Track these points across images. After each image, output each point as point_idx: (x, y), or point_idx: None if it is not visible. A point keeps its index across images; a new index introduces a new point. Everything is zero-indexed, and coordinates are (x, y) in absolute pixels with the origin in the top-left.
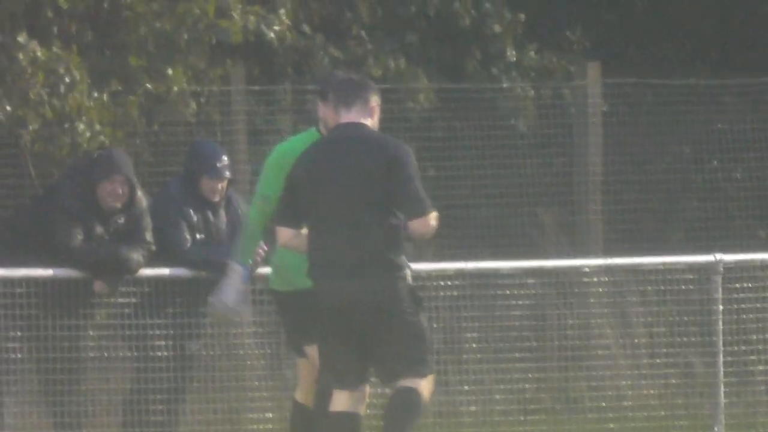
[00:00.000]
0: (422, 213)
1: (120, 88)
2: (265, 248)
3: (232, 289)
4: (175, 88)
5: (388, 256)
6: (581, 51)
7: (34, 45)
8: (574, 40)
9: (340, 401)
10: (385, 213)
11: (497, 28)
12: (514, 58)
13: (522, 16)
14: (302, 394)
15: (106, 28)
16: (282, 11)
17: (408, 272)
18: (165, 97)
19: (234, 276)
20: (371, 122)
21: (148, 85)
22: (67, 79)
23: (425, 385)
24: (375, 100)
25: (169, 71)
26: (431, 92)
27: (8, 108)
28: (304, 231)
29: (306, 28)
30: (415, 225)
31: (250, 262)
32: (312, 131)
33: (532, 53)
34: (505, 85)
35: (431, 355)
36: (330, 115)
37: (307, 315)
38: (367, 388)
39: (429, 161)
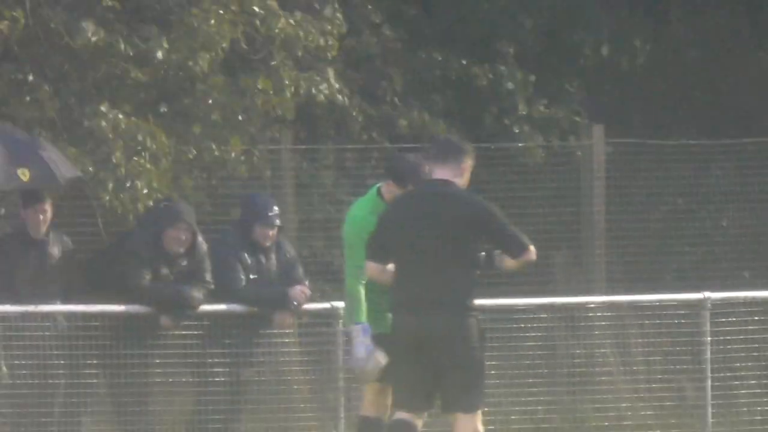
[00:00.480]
0: (523, 248)
1: (189, 156)
2: (310, 289)
3: (360, 345)
4: (233, 154)
5: (461, 298)
6: (585, 108)
7: (115, 114)
8: (580, 99)
9: (403, 415)
10: (463, 261)
11: (510, 86)
12: (525, 112)
13: (533, 77)
14: (367, 407)
15: (176, 100)
16: (332, 73)
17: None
18: (226, 158)
19: (357, 335)
20: (461, 181)
21: (214, 148)
22: (148, 145)
23: (479, 420)
24: (468, 162)
25: (231, 139)
26: None
27: (90, 169)
28: (391, 267)
29: (346, 92)
30: (522, 259)
31: (364, 319)
32: (373, 191)
33: (541, 108)
34: (521, 145)
35: (484, 391)
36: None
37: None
38: (425, 416)
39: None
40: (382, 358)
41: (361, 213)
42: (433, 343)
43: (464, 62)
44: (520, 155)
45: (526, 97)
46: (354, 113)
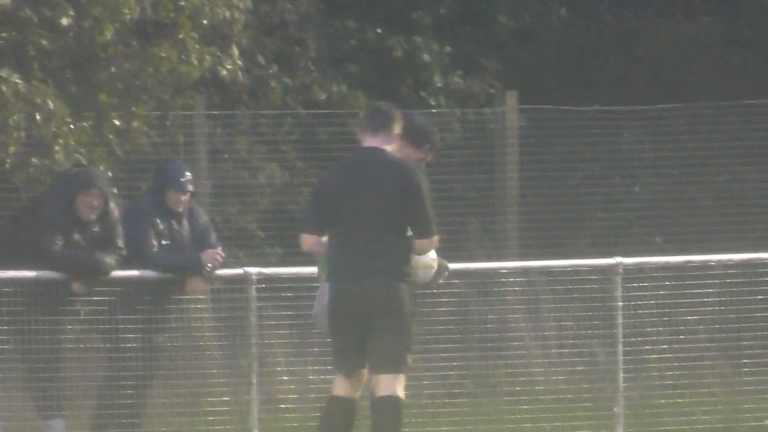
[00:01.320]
0: (427, 235)
1: (91, 122)
2: (223, 254)
3: (321, 300)
4: (135, 123)
5: (397, 266)
6: (501, 79)
7: (16, 78)
8: (496, 70)
9: (340, 386)
10: (398, 229)
11: (426, 58)
12: (441, 84)
13: (448, 48)
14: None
15: (82, 67)
16: (236, 52)
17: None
18: (128, 129)
19: (321, 289)
20: (390, 148)
21: (115, 122)
22: (43, 110)
23: (401, 385)
24: (397, 129)
25: (133, 109)
26: None
27: None
28: (326, 239)
29: (261, 60)
30: (419, 244)
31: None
32: None
33: (456, 79)
34: (434, 111)
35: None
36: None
37: None
38: (365, 375)
39: None
40: None
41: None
42: (369, 307)
43: (379, 31)
44: (437, 125)
45: (442, 68)
46: (269, 80)
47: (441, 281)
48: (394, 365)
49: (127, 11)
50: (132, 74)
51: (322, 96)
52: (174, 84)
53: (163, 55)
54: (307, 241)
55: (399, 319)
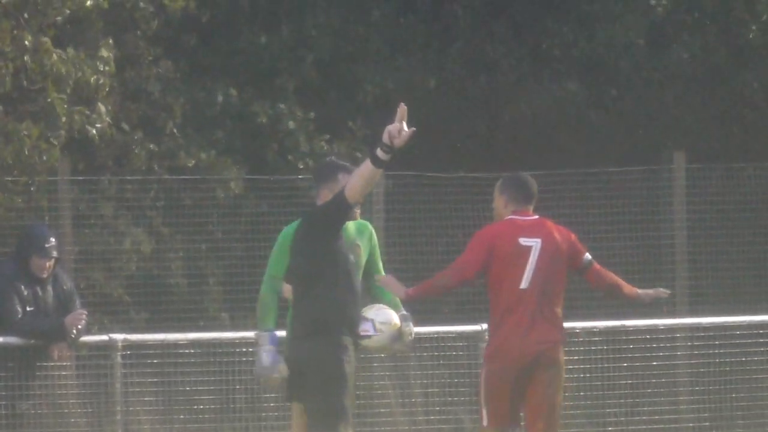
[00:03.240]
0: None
1: None
2: (86, 314)
3: (265, 354)
4: None
5: (303, 324)
6: (368, 142)
7: None
8: (363, 134)
9: None
10: (302, 284)
11: (291, 125)
12: (307, 149)
13: (312, 114)
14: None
15: None
16: (103, 110)
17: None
18: None
19: (262, 342)
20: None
21: None
22: None
23: None
24: (340, 182)
25: None
26: (240, 180)
27: None
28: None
29: (125, 126)
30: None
31: (272, 327)
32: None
33: (322, 143)
34: (301, 177)
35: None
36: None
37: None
38: None
39: (238, 242)
40: (284, 369)
41: (291, 228)
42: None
43: (242, 97)
44: (299, 187)
45: (307, 133)
46: (134, 146)
47: (403, 348)
48: (323, 424)
49: None
50: None
51: (190, 162)
52: (36, 163)
53: (25, 133)
54: (288, 290)
55: (318, 383)
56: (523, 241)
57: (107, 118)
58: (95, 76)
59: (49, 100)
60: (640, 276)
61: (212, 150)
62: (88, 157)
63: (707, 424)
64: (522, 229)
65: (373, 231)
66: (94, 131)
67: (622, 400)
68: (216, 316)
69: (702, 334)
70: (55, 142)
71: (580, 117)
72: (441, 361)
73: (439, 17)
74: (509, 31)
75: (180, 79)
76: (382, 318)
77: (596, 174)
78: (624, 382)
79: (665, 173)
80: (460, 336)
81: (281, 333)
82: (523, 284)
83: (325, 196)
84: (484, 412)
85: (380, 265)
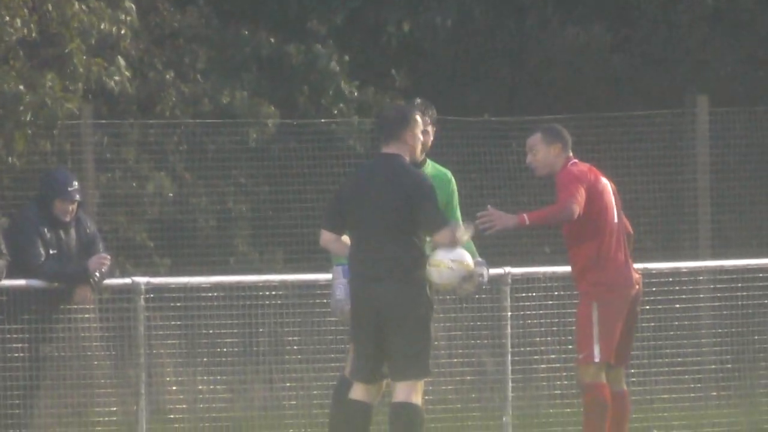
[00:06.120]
0: (440, 226)
1: None
2: (109, 258)
3: (339, 287)
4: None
5: (405, 271)
6: (402, 89)
7: None
8: (397, 80)
9: (357, 391)
10: (405, 234)
11: (332, 65)
12: (347, 92)
13: (347, 58)
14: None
15: None
16: (123, 63)
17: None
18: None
19: (336, 276)
20: (407, 152)
21: None
22: None
23: (418, 392)
24: (408, 133)
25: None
26: (275, 123)
27: None
28: (345, 238)
29: (158, 65)
30: (438, 237)
31: (344, 262)
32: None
33: (353, 89)
34: (338, 120)
35: (429, 361)
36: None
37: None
38: (383, 384)
39: (264, 185)
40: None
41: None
42: (380, 313)
43: (272, 40)
44: (332, 131)
45: (345, 77)
46: (165, 87)
47: (472, 289)
48: (408, 372)
49: (12, 30)
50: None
51: (224, 100)
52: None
53: (49, 84)
54: (324, 237)
55: (411, 325)
56: (603, 180)
57: (127, 72)
58: (116, 26)
59: (67, 50)
60: (664, 219)
61: (244, 92)
62: (111, 101)
63: (729, 366)
64: (594, 170)
65: (452, 179)
66: (113, 83)
67: (644, 343)
68: (246, 253)
69: (725, 276)
70: (75, 92)
71: (605, 61)
72: (463, 304)
73: None
74: None
75: (203, 25)
76: (454, 256)
77: (620, 118)
78: (647, 324)
79: (689, 117)
80: None
81: None
82: (616, 219)
83: (407, 139)
84: (596, 349)
85: (458, 213)
